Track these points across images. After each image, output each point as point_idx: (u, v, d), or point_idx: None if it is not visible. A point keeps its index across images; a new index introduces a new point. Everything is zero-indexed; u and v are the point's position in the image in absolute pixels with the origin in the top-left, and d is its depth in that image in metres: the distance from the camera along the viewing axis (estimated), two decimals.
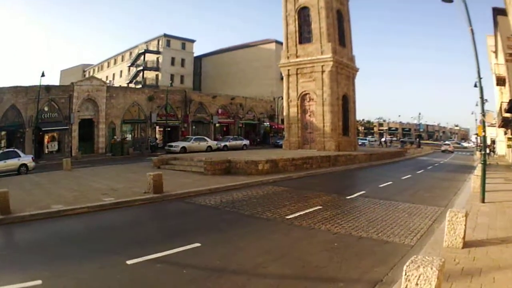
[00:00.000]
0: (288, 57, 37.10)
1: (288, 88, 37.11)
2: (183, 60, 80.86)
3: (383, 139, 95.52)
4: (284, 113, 39.57)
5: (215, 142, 46.95)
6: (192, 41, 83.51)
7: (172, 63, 78.60)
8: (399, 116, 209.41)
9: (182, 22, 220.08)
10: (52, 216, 12.41)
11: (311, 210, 12.29)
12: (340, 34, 37.71)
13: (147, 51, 77.94)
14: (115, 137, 47.18)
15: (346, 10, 39.95)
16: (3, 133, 43.80)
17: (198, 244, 8.72)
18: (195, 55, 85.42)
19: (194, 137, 46.04)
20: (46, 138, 46.05)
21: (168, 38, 78.79)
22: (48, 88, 44.28)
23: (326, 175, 24.01)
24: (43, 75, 39.57)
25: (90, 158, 41.60)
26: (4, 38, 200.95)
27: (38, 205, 13.51)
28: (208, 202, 14.35)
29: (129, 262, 7.59)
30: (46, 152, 45.42)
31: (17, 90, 42.84)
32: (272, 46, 71.73)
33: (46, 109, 44.20)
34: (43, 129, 43.46)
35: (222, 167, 22.23)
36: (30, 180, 22.17)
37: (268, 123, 65.23)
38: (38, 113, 41.68)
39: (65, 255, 8.44)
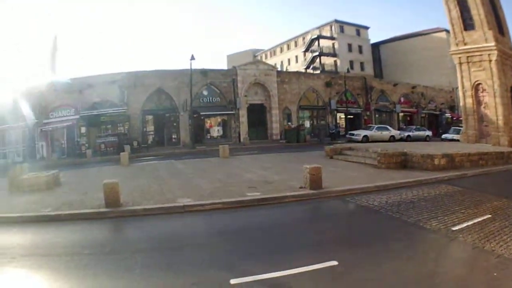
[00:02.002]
0: (457, 44, 35.59)
1: (462, 77, 35.55)
2: (360, 47, 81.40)
3: None
4: (460, 104, 37.96)
5: (398, 132, 46.42)
6: (366, 27, 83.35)
7: (350, 49, 79.34)
8: None
9: (351, 8, 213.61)
10: (171, 211, 11.60)
11: (479, 219, 10.80)
12: (497, 22, 35.19)
13: (320, 36, 78.63)
14: (288, 123, 48.08)
15: None
16: (149, 117, 46.34)
17: (334, 263, 7.17)
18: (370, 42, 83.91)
19: (376, 126, 45.79)
20: (208, 122, 48.62)
21: (341, 24, 79.21)
22: (204, 72, 45.97)
23: (499, 174, 22.17)
24: (192, 58, 40.01)
25: (260, 144, 42.30)
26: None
27: (161, 198, 12.93)
28: (371, 202, 12.94)
29: (233, 281, 6.37)
30: (208, 137, 47.71)
31: (162, 74, 44.71)
32: (443, 35, 70.07)
33: (205, 93, 46.42)
34: (201, 113, 45.13)
35: (398, 160, 21.53)
36: (172, 167, 22.25)
37: (449, 114, 63.14)
38: (193, 97, 42.38)
39: (158, 263, 7.62)
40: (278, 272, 6.61)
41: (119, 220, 11.43)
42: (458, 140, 36.38)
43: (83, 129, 44.22)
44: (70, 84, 43.83)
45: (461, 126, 38.91)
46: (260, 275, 6.50)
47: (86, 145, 41.84)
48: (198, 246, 8.73)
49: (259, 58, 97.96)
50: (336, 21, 79.75)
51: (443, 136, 45.86)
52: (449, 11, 36.05)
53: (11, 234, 10.97)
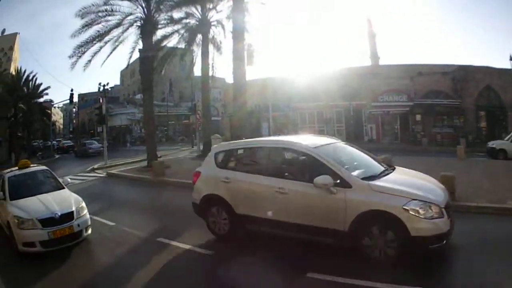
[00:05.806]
0: None
1: None
2: None
3: None
4: None
5: None
6: None
7: None
8: None
9: None
10: (500, 213, 10.53)
11: None
12: None
13: None
14: None
15: None
16: (481, 113, 41.98)
17: None
18: None
19: None
20: None
21: None
22: None
23: None
24: (511, 58, 37.33)
25: None
26: None
27: (492, 197, 11.67)
28: None
29: None
30: None
31: (489, 71, 40.71)
32: None
33: None
34: None
35: None
36: (502, 166, 19.83)
37: None
38: None
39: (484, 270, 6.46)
40: None
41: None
42: None
43: (417, 117, 41.52)
44: (399, 70, 41.57)
45: None
46: None
47: (422, 133, 39.78)
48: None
49: None
50: None
51: None
52: None
53: None
